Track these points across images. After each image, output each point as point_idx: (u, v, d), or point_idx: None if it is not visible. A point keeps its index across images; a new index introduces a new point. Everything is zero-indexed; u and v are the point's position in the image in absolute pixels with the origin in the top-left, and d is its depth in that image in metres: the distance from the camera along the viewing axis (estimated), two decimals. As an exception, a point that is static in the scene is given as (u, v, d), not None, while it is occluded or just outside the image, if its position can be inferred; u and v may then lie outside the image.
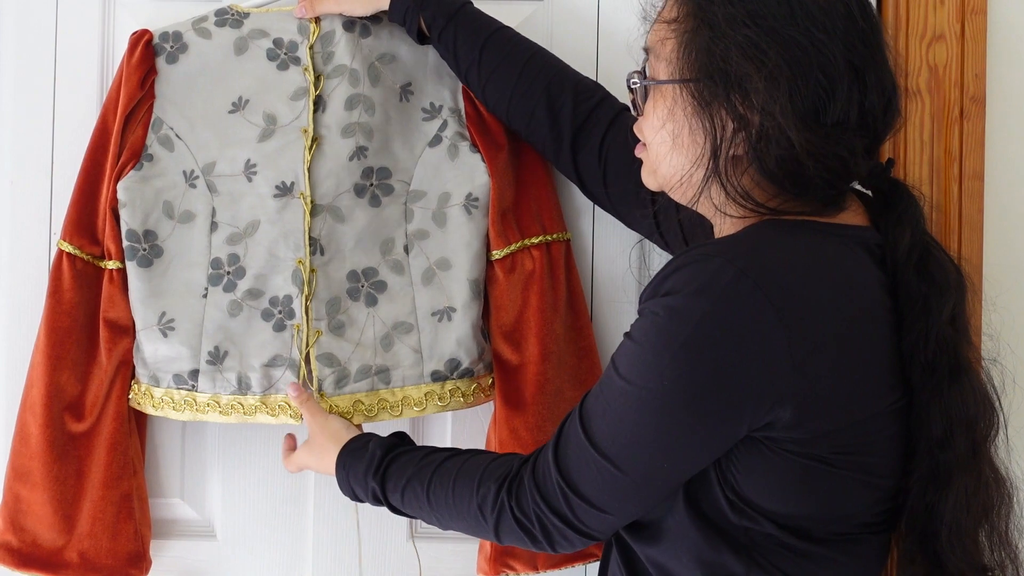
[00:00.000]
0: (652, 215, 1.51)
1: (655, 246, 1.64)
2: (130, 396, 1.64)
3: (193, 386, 1.60)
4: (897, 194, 1.25)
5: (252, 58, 1.66)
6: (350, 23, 1.66)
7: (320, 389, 1.60)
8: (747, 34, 1.17)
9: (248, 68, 1.65)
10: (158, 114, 1.65)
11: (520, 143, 1.66)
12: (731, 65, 1.17)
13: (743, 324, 1.11)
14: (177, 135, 1.64)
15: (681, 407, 1.14)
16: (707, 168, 1.21)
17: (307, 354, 1.60)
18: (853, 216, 1.24)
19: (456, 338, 1.62)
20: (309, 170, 1.63)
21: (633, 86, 1.28)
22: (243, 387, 1.60)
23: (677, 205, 1.37)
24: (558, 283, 1.65)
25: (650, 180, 1.32)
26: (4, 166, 1.72)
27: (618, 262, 1.71)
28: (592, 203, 1.67)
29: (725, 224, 1.27)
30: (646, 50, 1.28)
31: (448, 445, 1.72)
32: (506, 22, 1.68)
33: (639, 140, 1.33)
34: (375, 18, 1.66)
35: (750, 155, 1.19)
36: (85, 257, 1.63)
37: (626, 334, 1.19)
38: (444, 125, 1.66)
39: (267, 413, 1.60)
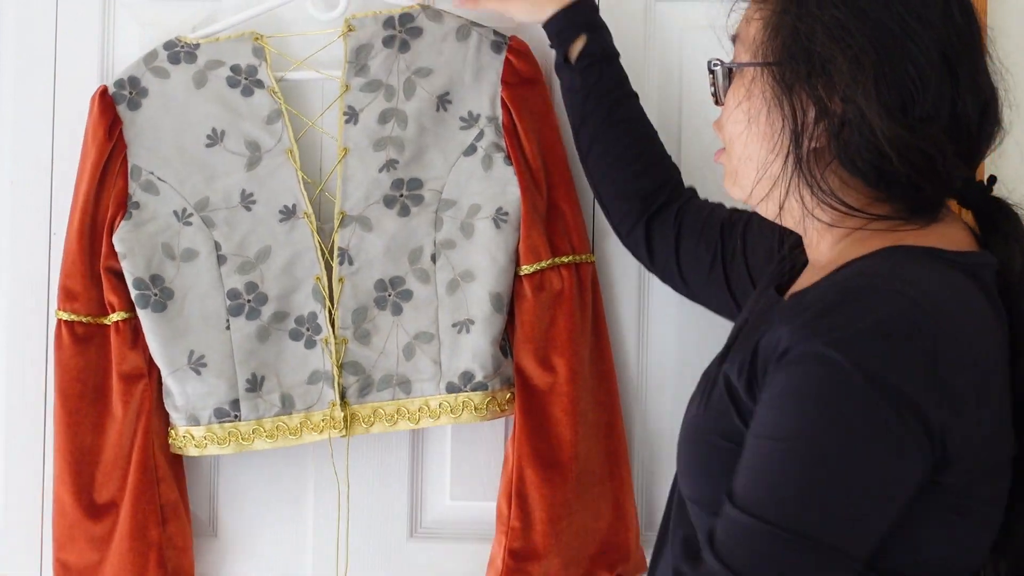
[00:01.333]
0: (722, 271, 1.51)
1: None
2: (170, 443, 1.65)
3: (236, 416, 1.62)
4: (1002, 214, 1.18)
5: (214, 89, 1.66)
6: (390, 39, 1.66)
7: (344, 397, 1.63)
8: (835, 15, 1.12)
9: (212, 99, 1.66)
10: (134, 162, 1.65)
11: (552, 160, 1.67)
12: (815, 45, 1.13)
13: (917, 359, 1.03)
14: (159, 178, 1.65)
15: (863, 452, 1.03)
16: (786, 159, 1.16)
17: (340, 364, 1.63)
18: (957, 235, 1.17)
19: (472, 351, 1.63)
20: (341, 182, 1.64)
21: (714, 68, 1.24)
22: (287, 406, 1.63)
23: (744, 256, 1.41)
24: (586, 305, 1.65)
25: (731, 184, 1.26)
26: (4, 166, 1.72)
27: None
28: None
29: (815, 234, 1.21)
30: (733, 38, 1.25)
31: (447, 460, 1.73)
32: (506, 22, 1.69)
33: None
34: (415, 30, 1.66)
35: (833, 147, 1.14)
36: (84, 320, 1.64)
37: (776, 381, 1.07)
38: (481, 135, 1.66)
39: (312, 430, 1.63)
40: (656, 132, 1.62)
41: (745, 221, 1.52)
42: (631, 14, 1.71)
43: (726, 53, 1.28)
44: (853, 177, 1.15)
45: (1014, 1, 1.67)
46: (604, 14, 1.68)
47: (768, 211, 1.24)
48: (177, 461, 1.68)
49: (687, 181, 1.65)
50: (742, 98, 1.20)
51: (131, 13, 1.72)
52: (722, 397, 1.17)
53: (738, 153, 1.23)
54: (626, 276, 1.72)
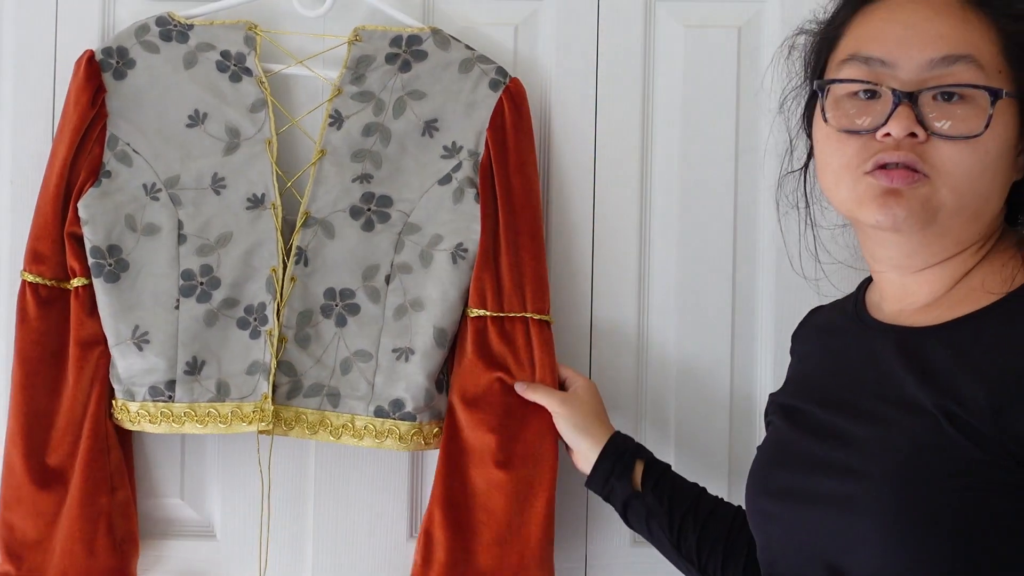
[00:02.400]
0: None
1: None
2: (111, 413, 1.65)
3: (170, 396, 1.62)
4: None
5: (203, 71, 1.67)
6: (394, 56, 1.66)
7: (272, 396, 1.63)
8: None
9: (199, 81, 1.66)
10: (112, 131, 1.65)
11: (524, 212, 1.65)
12: None
13: None
14: (134, 150, 1.65)
15: None
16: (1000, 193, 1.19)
17: (277, 360, 1.63)
18: None
19: (407, 381, 1.62)
20: (312, 183, 1.65)
21: (1000, 96, 1.17)
22: (221, 393, 1.63)
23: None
24: (528, 361, 1.63)
25: (927, 211, 1.19)
26: (4, 166, 1.72)
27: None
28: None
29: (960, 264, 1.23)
30: (957, 57, 1.18)
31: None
32: (506, 22, 1.73)
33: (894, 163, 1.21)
34: (420, 53, 1.66)
35: None
36: (48, 283, 1.64)
37: None
38: (459, 166, 1.66)
39: (242, 420, 1.63)
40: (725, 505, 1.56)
41: None
42: (631, 14, 1.72)
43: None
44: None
45: None
46: (604, 14, 1.72)
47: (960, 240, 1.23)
48: (126, 431, 1.68)
49: (686, 181, 1.70)
50: (997, 135, 1.17)
51: (131, 13, 1.71)
52: (945, 440, 1.10)
53: (978, 188, 1.18)
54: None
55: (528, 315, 1.64)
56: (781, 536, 1.23)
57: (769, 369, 1.69)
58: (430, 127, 1.66)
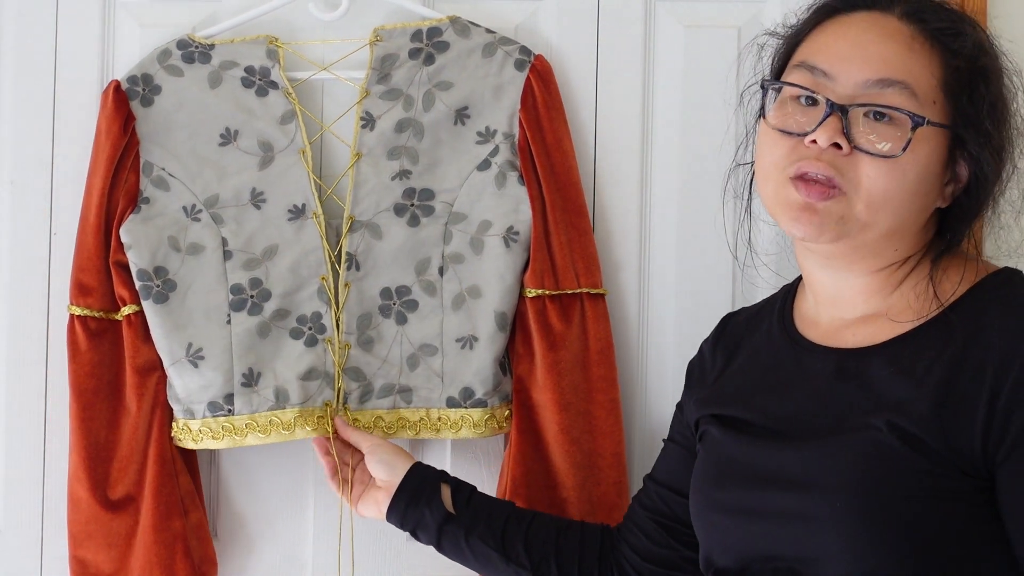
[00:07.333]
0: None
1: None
2: (172, 435, 1.65)
3: (229, 410, 1.62)
4: None
5: (229, 89, 1.68)
6: (417, 51, 1.68)
7: (345, 402, 1.64)
8: (1002, 87, 1.24)
9: (227, 99, 1.67)
10: (146, 158, 1.66)
11: (565, 187, 1.66)
12: (996, 115, 1.23)
13: None
14: (170, 174, 1.66)
15: None
16: (925, 214, 1.25)
17: (342, 368, 1.64)
18: None
19: (474, 368, 1.64)
20: (352, 187, 1.66)
21: (916, 120, 1.21)
22: (281, 400, 1.63)
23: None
24: (586, 336, 1.65)
25: (837, 225, 1.23)
26: (4, 166, 1.72)
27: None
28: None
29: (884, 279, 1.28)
30: (893, 81, 1.22)
31: (447, 460, 1.72)
32: (506, 22, 1.73)
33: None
34: (442, 44, 1.68)
35: (961, 200, 1.26)
36: (97, 315, 1.64)
37: None
38: (496, 151, 1.67)
39: (305, 426, 1.63)
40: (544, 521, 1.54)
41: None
42: (631, 14, 1.73)
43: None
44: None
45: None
46: (604, 14, 1.73)
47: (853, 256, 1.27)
48: (191, 451, 1.68)
49: (686, 180, 1.71)
50: (919, 160, 1.22)
51: (131, 13, 1.73)
52: (892, 452, 1.16)
53: (892, 207, 1.22)
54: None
55: (583, 290, 1.66)
56: (734, 544, 1.26)
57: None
58: (461, 115, 1.68)
